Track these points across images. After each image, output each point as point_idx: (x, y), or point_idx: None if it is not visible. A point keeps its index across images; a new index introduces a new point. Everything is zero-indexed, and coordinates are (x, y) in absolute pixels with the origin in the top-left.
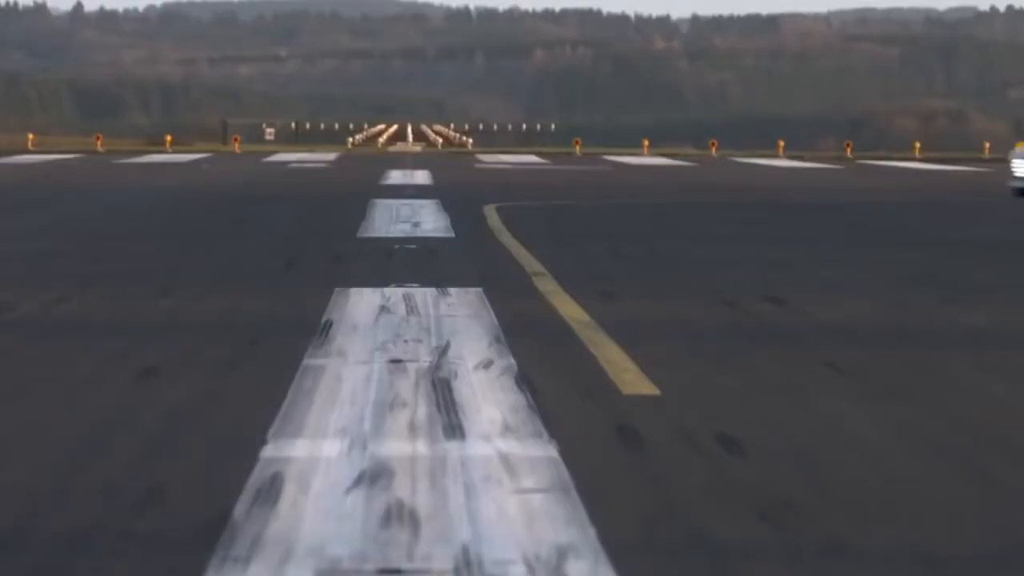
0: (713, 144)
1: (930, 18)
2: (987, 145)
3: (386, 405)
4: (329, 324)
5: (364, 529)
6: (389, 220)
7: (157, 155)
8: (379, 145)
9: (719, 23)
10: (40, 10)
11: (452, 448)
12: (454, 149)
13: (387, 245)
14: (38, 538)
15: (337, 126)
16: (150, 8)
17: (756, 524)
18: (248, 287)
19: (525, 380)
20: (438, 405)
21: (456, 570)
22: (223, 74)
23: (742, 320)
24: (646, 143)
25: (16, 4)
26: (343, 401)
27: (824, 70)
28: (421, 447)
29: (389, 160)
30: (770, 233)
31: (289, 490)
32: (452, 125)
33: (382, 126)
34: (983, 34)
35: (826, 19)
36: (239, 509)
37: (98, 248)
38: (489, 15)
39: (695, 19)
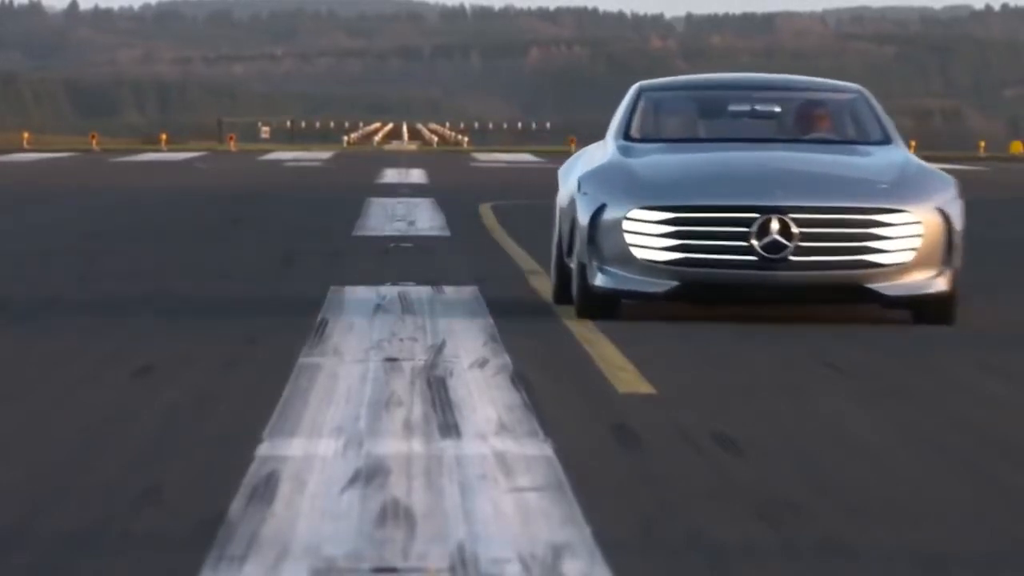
0: None
1: (925, 17)
2: (983, 144)
3: (381, 404)
4: (324, 323)
5: (360, 528)
6: (385, 218)
7: (153, 154)
8: (375, 144)
9: (715, 22)
10: (35, 9)
11: (448, 447)
12: (450, 148)
13: (383, 243)
14: (34, 537)
15: (333, 125)
16: (145, 7)
17: (753, 523)
18: (244, 285)
19: (521, 378)
20: (433, 404)
21: (452, 569)
22: (219, 73)
23: (739, 319)
24: None
25: (11, 3)
26: (339, 400)
27: (820, 69)
28: (417, 446)
29: (385, 159)
30: None
31: (285, 489)
32: (448, 124)
33: (378, 125)
34: (979, 33)
35: (821, 18)
36: (235, 507)
37: (94, 247)
38: (485, 14)
39: (689, 17)
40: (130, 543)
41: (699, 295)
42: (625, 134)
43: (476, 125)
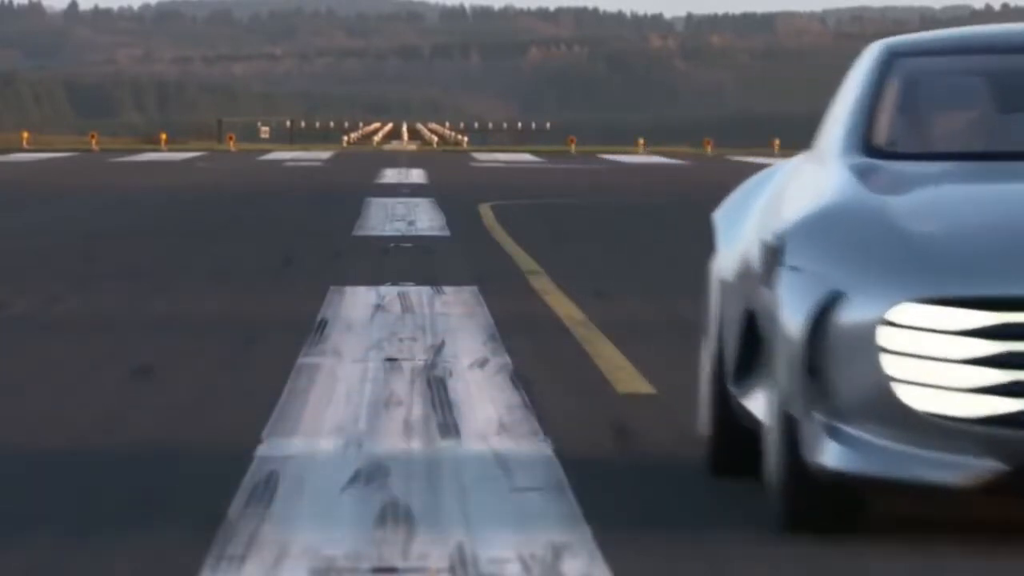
0: (708, 143)
1: (925, 16)
2: None
3: (381, 403)
4: (324, 322)
5: (359, 528)
6: (384, 218)
7: (152, 154)
8: (374, 144)
9: (714, 22)
10: (35, 8)
11: (447, 446)
12: (449, 148)
13: (383, 243)
14: (33, 537)
15: (332, 124)
16: (145, 7)
17: (752, 523)
18: (244, 285)
19: (520, 378)
20: (433, 403)
21: (452, 569)
22: (218, 72)
23: None
24: (641, 142)
25: (11, 3)
26: (338, 399)
27: (819, 68)
28: (416, 445)
29: (384, 159)
30: None
31: (284, 489)
32: (447, 124)
33: (377, 124)
34: None
35: (821, 18)
36: (234, 507)
37: (94, 246)
38: (484, 13)
39: (689, 17)
40: (129, 543)
41: None
42: (865, 143)
43: (476, 125)
